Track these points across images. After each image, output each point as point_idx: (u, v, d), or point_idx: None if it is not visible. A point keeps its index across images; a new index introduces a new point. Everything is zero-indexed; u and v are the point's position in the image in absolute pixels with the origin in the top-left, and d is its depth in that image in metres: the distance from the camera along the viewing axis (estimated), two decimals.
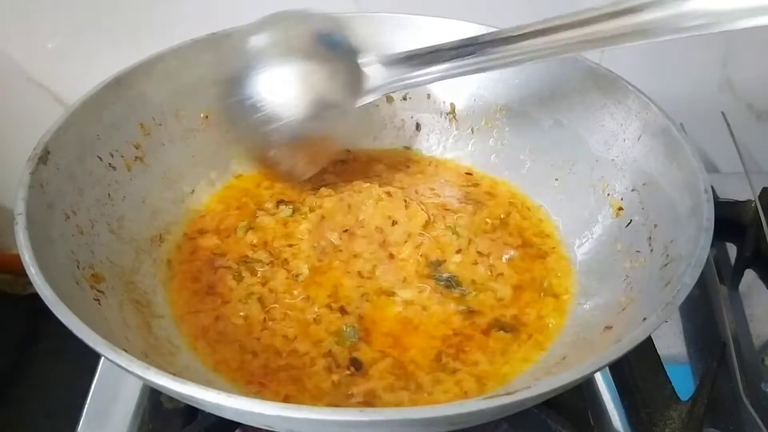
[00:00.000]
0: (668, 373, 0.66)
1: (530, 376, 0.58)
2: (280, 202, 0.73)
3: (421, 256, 0.67)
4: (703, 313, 0.77)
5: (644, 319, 0.50)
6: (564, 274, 0.67)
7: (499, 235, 0.71)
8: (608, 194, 0.68)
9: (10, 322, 1.07)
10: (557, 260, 0.69)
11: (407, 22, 0.78)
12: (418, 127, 0.82)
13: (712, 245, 0.82)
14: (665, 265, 0.57)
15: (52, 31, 0.91)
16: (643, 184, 0.65)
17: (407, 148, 0.83)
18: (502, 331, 0.61)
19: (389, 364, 0.58)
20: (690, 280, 0.51)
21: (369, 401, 0.55)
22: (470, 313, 0.63)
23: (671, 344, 0.75)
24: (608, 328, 0.56)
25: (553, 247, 0.70)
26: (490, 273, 0.67)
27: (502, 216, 0.73)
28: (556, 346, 0.61)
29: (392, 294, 0.65)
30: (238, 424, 0.58)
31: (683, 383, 0.66)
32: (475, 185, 0.78)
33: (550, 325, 0.62)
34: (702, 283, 0.78)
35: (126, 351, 0.44)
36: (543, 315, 0.63)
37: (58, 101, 0.95)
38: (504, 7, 0.87)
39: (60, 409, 0.71)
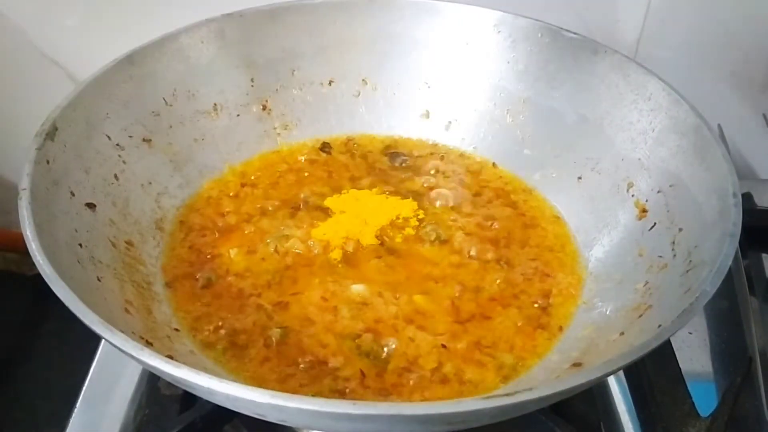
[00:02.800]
0: (692, 389, 0.67)
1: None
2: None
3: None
4: (732, 326, 0.76)
5: (659, 326, 0.51)
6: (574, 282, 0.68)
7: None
8: (632, 195, 0.68)
9: (16, 302, 1.10)
10: (570, 264, 0.70)
11: (428, 6, 0.79)
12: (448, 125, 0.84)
13: (746, 255, 0.83)
14: (687, 271, 0.56)
15: (69, 9, 0.93)
16: (670, 186, 0.65)
17: (432, 140, 0.84)
18: None
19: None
20: (710, 287, 0.50)
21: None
22: None
23: (695, 357, 0.75)
24: (623, 334, 0.57)
25: (568, 248, 0.71)
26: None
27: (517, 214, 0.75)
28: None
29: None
30: (234, 414, 0.60)
31: (706, 399, 0.66)
32: (492, 180, 0.79)
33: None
34: (731, 294, 0.77)
35: (122, 331, 0.45)
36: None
37: (71, 79, 0.97)
38: None
39: (59, 391, 0.72)
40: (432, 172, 0.80)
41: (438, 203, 0.75)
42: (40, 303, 1.06)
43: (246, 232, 0.71)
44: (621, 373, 0.72)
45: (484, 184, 0.78)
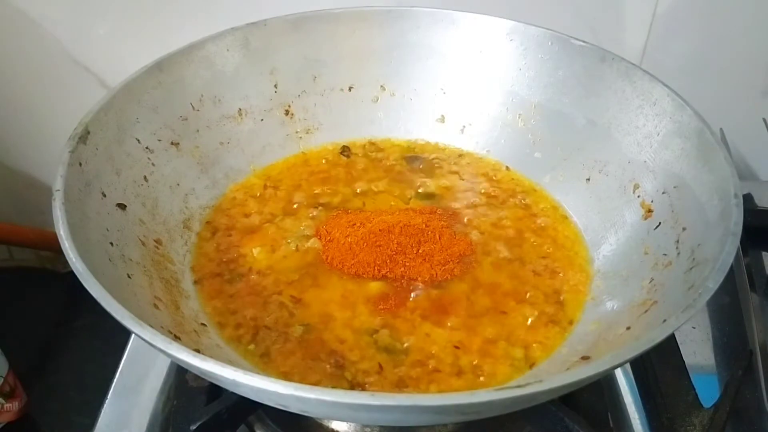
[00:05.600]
0: (695, 381, 0.66)
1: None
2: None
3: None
4: (733, 321, 0.76)
5: (664, 320, 0.50)
6: (582, 281, 0.68)
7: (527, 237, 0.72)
8: (638, 196, 0.68)
9: (50, 299, 1.10)
10: (579, 261, 0.70)
11: (443, 16, 0.79)
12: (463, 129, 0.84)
13: (747, 253, 0.83)
14: (690, 268, 0.56)
15: (101, 19, 0.94)
16: (674, 187, 0.64)
17: (448, 144, 0.84)
18: None
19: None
20: (713, 284, 0.50)
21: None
22: None
23: (698, 351, 0.75)
24: (629, 329, 0.57)
25: (577, 247, 0.71)
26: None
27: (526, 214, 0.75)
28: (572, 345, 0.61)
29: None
30: (258, 405, 0.60)
31: (709, 391, 0.65)
32: (505, 182, 0.79)
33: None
34: (733, 291, 0.77)
35: (151, 326, 0.45)
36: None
37: (102, 85, 0.98)
38: (540, 4, 0.88)
39: (91, 383, 0.73)
40: (448, 174, 0.79)
41: (454, 204, 0.75)
42: (73, 299, 1.07)
43: (269, 231, 0.71)
44: (628, 365, 0.72)
45: (497, 186, 0.78)
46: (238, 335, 0.61)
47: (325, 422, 0.65)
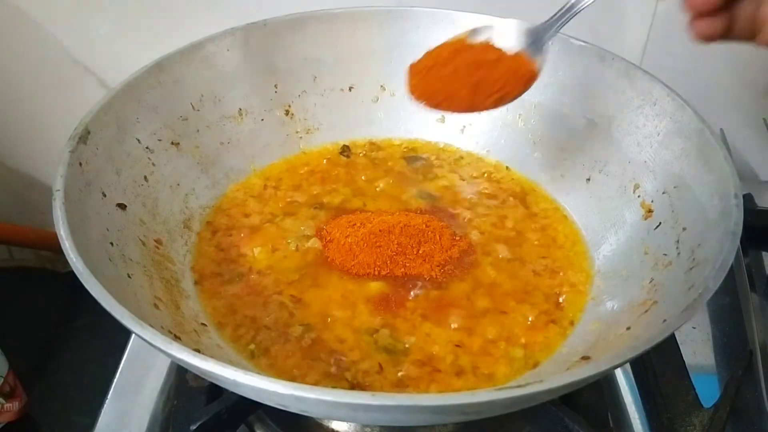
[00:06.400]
0: (695, 381, 0.66)
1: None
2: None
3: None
4: (733, 321, 0.76)
5: (664, 320, 0.50)
6: (583, 279, 0.68)
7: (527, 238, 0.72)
8: (639, 196, 0.68)
9: (51, 299, 1.10)
10: (579, 261, 0.70)
11: (443, 16, 0.79)
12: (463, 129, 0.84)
13: (747, 253, 0.83)
14: (691, 268, 0.56)
15: (101, 19, 0.94)
16: (674, 187, 0.65)
17: (448, 144, 0.84)
18: None
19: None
20: (713, 284, 0.50)
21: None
22: None
23: (698, 351, 0.75)
24: (629, 329, 0.57)
25: (577, 247, 0.71)
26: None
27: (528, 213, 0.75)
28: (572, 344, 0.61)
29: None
30: (258, 405, 0.60)
31: (709, 391, 0.66)
32: (505, 182, 0.79)
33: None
34: (733, 291, 0.77)
35: (151, 326, 0.45)
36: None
37: (103, 85, 0.98)
38: (540, 4, 0.87)
39: (92, 384, 0.73)
40: (448, 174, 0.80)
41: (454, 204, 0.75)
42: (74, 299, 1.07)
43: (269, 231, 0.71)
44: (628, 365, 0.72)
45: (498, 186, 0.78)
46: (238, 335, 0.61)
47: (325, 422, 0.65)
